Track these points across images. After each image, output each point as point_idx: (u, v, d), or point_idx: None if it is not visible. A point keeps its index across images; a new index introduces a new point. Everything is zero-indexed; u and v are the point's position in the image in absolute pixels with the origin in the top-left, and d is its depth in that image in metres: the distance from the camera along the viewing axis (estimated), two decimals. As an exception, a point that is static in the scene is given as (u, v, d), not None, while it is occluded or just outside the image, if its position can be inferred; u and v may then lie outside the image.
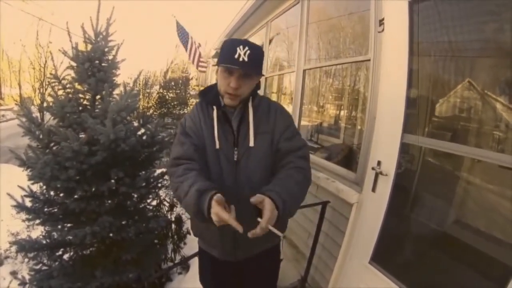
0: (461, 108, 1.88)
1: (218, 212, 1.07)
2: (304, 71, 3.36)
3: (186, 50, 7.81)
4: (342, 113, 3.62)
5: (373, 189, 2.07)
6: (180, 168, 1.32)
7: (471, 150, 1.66)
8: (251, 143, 1.39)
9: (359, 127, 2.88)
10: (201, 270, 1.73)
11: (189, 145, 1.38)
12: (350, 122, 3.32)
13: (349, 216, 2.24)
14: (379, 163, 2.04)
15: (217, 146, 1.38)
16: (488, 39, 1.70)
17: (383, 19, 2.08)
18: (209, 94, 1.49)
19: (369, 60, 2.21)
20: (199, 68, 8.19)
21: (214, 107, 1.42)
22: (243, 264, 1.55)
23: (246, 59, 1.26)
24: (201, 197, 1.14)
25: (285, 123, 1.48)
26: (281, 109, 1.53)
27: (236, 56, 1.25)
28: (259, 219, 1.11)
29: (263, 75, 1.50)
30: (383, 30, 2.08)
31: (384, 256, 2.08)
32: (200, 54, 7.68)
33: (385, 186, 2.00)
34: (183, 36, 7.17)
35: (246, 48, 1.27)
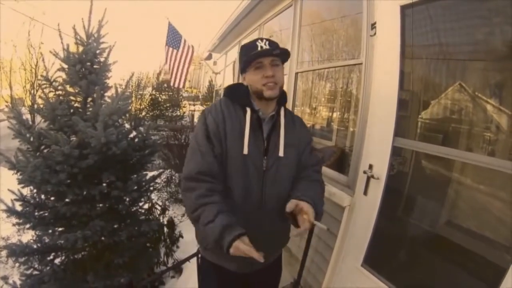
0: (452, 110, 1.90)
1: (241, 247, 1.09)
2: (296, 74, 3.37)
3: (167, 58, 7.16)
4: (334, 115, 3.64)
5: (365, 192, 2.08)
6: (202, 186, 1.26)
7: (462, 154, 1.68)
8: (281, 153, 1.36)
9: (351, 129, 2.89)
10: (206, 284, 1.65)
11: (212, 157, 1.30)
12: (343, 124, 3.33)
13: (341, 219, 2.25)
14: (370, 166, 2.05)
15: (245, 152, 1.31)
16: (478, 42, 1.72)
17: (375, 23, 2.09)
18: (238, 93, 1.43)
19: (361, 63, 2.22)
20: (177, 82, 7.23)
21: (248, 109, 1.36)
22: (252, 275, 1.50)
23: (268, 46, 1.31)
24: (224, 233, 1.14)
25: (308, 138, 1.54)
26: (303, 123, 1.58)
27: (259, 48, 1.30)
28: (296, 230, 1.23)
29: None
30: (375, 34, 2.09)
31: (376, 258, 2.09)
32: (188, 66, 7.14)
33: (377, 190, 2.01)
34: (174, 40, 6.91)
35: (264, 40, 1.33)
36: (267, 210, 1.36)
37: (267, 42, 1.32)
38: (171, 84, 7.23)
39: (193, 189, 1.27)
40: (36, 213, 2.42)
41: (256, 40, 1.34)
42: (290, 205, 1.22)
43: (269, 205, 1.36)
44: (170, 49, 6.92)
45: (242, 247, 1.09)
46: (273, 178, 1.36)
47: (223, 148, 1.33)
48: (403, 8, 1.89)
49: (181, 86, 7.28)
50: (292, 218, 1.26)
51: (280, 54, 1.34)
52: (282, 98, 1.45)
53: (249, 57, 1.32)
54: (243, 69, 1.40)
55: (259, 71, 1.32)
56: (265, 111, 1.40)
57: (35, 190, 2.41)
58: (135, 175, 2.67)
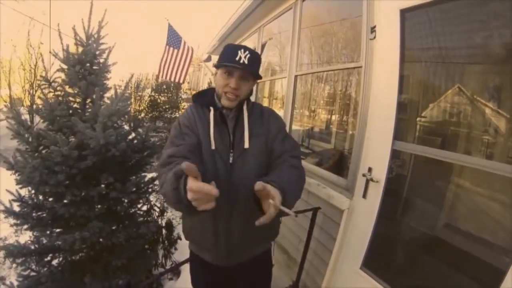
0: (451, 113, 1.90)
1: (193, 186, 0.91)
2: (296, 76, 3.37)
3: (164, 55, 7.22)
4: (333, 118, 3.64)
5: (364, 196, 2.08)
6: (173, 164, 1.18)
7: (460, 157, 1.68)
8: (246, 145, 1.40)
9: (350, 132, 2.89)
10: (192, 275, 1.71)
11: (184, 145, 1.33)
12: (342, 127, 3.33)
13: (340, 222, 2.25)
14: (370, 169, 2.05)
15: (213, 147, 1.38)
16: (477, 46, 1.73)
17: (374, 27, 2.10)
18: (204, 97, 1.51)
19: (361, 67, 2.22)
20: (177, 78, 7.34)
21: (211, 108, 1.43)
22: (235, 271, 1.55)
23: (246, 61, 1.32)
24: (178, 180, 1.00)
25: (278, 126, 1.52)
26: (274, 113, 1.58)
27: (237, 58, 1.31)
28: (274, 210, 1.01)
29: (259, 81, 1.49)
30: (374, 37, 2.10)
31: (375, 261, 2.09)
32: (188, 64, 7.21)
33: (376, 193, 2.01)
34: (175, 40, 6.96)
35: (247, 52, 1.33)
36: (238, 201, 1.38)
37: (248, 56, 1.33)
38: (167, 78, 7.26)
39: (164, 172, 1.19)
40: (34, 214, 2.41)
41: (241, 48, 1.35)
42: (257, 186, 1.00)
43: (238, 196, 1.38)
44: (171, 48, 6.98)
45: (192, 184, 0.91)
46: (240, 170, 1.39)
47: (198, 141, 1.39)
48: (403, 12, 1.90)
49: (181, 81, 7.37)
50: (258, 203, 1.11)
51: (251, 72, 1.37)
52: None
53: (222, 63, 1.36)
54: (216, 65, 1.43)
55: (226, 78, 1.37)
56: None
57: (33, 191, 2.40)
58: (134, 177, 2.67)
